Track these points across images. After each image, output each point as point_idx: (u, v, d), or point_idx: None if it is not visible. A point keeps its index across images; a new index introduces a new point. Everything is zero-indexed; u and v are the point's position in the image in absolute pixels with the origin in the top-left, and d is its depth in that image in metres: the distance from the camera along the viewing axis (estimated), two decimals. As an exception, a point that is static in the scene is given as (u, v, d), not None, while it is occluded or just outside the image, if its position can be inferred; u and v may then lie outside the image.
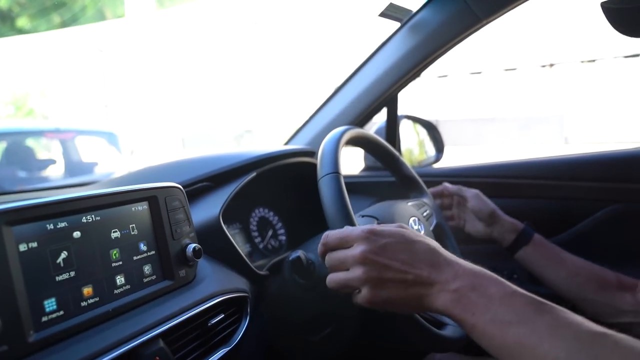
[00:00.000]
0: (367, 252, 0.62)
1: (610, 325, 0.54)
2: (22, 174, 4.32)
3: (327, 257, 0.68)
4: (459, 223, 1.18)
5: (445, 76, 6.39)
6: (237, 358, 0.73)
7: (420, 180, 1.10)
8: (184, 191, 0.74)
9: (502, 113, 6.00)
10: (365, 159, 1.57)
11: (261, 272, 0.88)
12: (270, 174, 1.10)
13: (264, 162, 1.05)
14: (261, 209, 1.24)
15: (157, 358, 0.57)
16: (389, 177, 1.27)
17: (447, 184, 1.20)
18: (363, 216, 0.87)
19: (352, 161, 1.56)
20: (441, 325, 0.78)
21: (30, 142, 4.66)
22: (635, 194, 1.23)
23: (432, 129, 1.67)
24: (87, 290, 0.56)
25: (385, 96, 1.37)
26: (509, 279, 1.44)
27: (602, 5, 0.80)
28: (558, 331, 0.50)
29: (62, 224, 0.55)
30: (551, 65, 5.95)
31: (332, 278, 0.66)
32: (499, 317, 0.54)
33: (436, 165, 1.59)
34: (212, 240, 0.82)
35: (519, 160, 1.39)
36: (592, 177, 1.28)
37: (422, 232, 0.90)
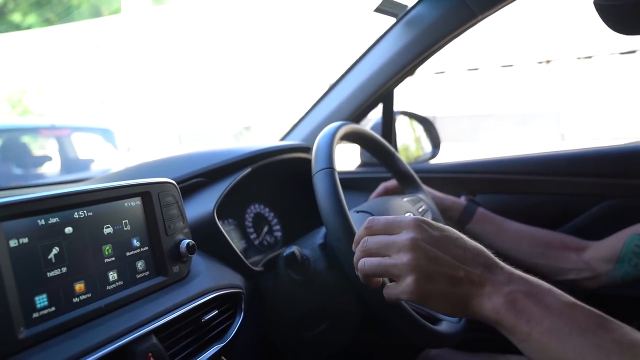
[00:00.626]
0: (419, 239, 0.57)
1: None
2: (17, 170, 4.31)
3: (367, 241, 0.62)
4: None
5: (443, 72, 6.38)
6: (231, 354, 0.72)
7: (415, 176, 1.10)
8: (177, 187, 0.74)
9: (499, 109, 6.00)
10: (362, 155, 1.56)
11: (256, 268, 0.87)
12: (266, 170, 1.09)
13: (259, 157, 1.04)
14: (257, 205, 1.24)
15: (150, 354, 0.56)
16: (385, 173, 1.27)
17: (385, 184, 1.19)
18: (358, 212, 0.87)
19: (349, 157, 1.55)
20: (436, 321, 0.78)
21: (26, 139, 4.65)
22: (630, 189, 1.23)
23: (428, 125, 1.66)
24: (79, 286, 0.56)
25: (381, 92, 1.37)
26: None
27: (595, 2, 0.79)
28: (626, 349, 0.48)
29: (53, 220, 0.55)
30: (548, 61, 5.95)
31: (370, 262, 0.60)
32: (559, 328, 0.51)
33: (433, 161, 1.58)
34: (206, 236, 0.82)
35: (514, 156, 1.39)
36: (588, 172, 1.29)
37: None
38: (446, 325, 0.77)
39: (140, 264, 0.65)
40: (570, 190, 1.30)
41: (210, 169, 0.96)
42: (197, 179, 0.95)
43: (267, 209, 1.26)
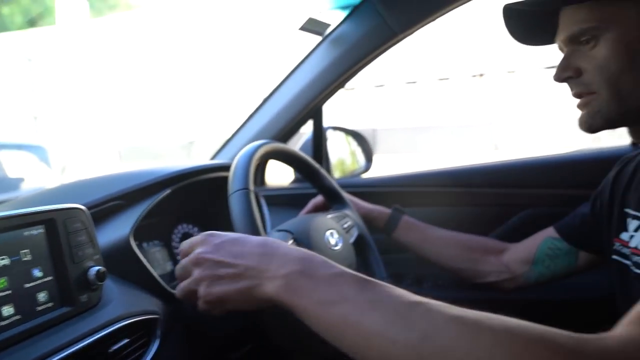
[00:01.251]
0: (202, 252, 0.64)
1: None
2: (-63, 192, 4.01)
3: (177, 267, 0.69)
4: None
5: (382, 86, 6.54)
6: (147, 383, 0.70)
7: (341, 191, 1.11)
8: (87, 212, 0.72)
9: (437, 121, 6.21)
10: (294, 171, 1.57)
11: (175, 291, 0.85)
12: (191, 190, 1.08)
13: (179, 178, 1.03)
14: (184, 225, 1.21)
15: (51, 391, 0.54)
16: (315, 189, 1.28)
17: (314, 200, 1.19)
18: (279, 230, 0.87)
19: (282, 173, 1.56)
20: None
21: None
22: (545, 198, 1.31)
23: (360, 139, 1.69)
24: (-32, 324, 0.53)
25: (309, 108, 1.38)
26: (435, 285, 1.48)
27: (505, 7, 0.79)
28: (378, 305, 0.51)
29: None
30: (481, 75, 6.23)
31: (180, 286, 0.67)
32: (325, 298, 0.54)
33: (367, 175, 1.61)
34: (121, 261, 0.80)
35: (439, 169, 1.44)
36: (510, 184, 1.36)
37: (340, 245, 0.90)
38: None
39: (42, 296, 0.62)
40: (491, 202, 1.36)
41: (128, 192, 0.94)
42: (115, 202, 0.92)
43: (195, 229, 1.24)
